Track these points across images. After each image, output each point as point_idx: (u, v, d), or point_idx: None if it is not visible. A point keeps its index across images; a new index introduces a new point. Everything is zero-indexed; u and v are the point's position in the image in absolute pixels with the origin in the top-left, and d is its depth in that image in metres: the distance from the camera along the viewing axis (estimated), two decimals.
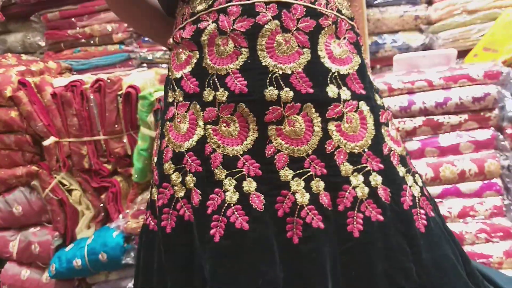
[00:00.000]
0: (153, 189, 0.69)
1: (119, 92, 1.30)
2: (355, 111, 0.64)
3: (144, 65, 1.84)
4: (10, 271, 1.41)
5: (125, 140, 1.33)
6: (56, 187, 1.35)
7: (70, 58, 1.85)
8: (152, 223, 0.69)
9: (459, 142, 1.23)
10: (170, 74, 0.70)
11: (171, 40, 0.71)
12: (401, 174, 0.65)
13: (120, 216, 1.30)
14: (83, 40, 1.85)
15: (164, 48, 1.78)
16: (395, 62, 1.35)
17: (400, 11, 1.77)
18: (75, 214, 1.38)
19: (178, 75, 0.67)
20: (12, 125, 1.32)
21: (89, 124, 1.33)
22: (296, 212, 0.60)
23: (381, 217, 0.61)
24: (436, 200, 1.15)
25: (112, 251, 1.26)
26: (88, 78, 1.37)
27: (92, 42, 1.85)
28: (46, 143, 1.33)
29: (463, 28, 1.70)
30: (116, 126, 1.32)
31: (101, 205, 1.39)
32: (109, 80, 1.29)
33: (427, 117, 1.24)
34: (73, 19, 1.84)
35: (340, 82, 0.63)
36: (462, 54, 1.55)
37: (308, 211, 0.60)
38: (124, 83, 1.31)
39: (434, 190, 1.22)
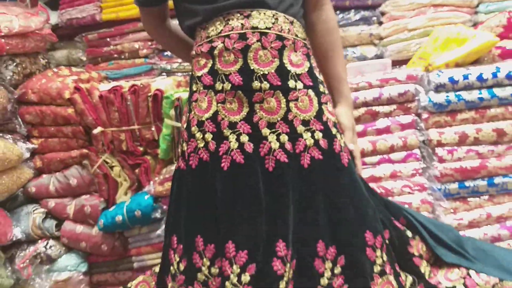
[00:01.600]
0: (184, 143, 0.88)
1: (149, 94, 1.47)
2: (306, 95, 0.84)
3: (164, 74, 1.93)
4: (68, 227, 1.58)
5: (153, 128, 1.50)
6: (101, 164, 1.53)
7: (105, 69, 1.95)
8: (182, 165, 0.88)
9: (390, 125, 1.38)
10: (193, 73, 0.89)
11: (193, 52, 0.89)
12: (334, 132, 0.87)
13: (151, 183, 1.50)
14: (116, 55, 1.97)
15: (179, 61, 1.93)
16: (347, 69, 1.48)
17: (358, 30, 1.92)
18: (115, 185, 1.56)
19: (199, 73, 0.86)
20: (69, 119, 1.51)
21: (127, 118, 1.50)
22: (271, 153, 0.81)
23: (321, 157, 0.83)
24: (374, 166, 1.38)
25: (145, 209, 1.45)
26: (125, 84, 1.53)
27: (123, 57, 1.97)
28: (95, 132, 1.50)
29: (405, 42, 1.85)
30: (147, 118, 1.49)
31: (135, 177, 1.57)
32: (141, 85, 1.48)
33: (367, 108, 1.40)
34: (108, 39, 1.95)
35: (296, 78, 0.84)
36: (405, 61, 1.72)
37: (278, 152, 0.82)
38: (152, 87, 1.48)
39: (373, 159, 1.38)
